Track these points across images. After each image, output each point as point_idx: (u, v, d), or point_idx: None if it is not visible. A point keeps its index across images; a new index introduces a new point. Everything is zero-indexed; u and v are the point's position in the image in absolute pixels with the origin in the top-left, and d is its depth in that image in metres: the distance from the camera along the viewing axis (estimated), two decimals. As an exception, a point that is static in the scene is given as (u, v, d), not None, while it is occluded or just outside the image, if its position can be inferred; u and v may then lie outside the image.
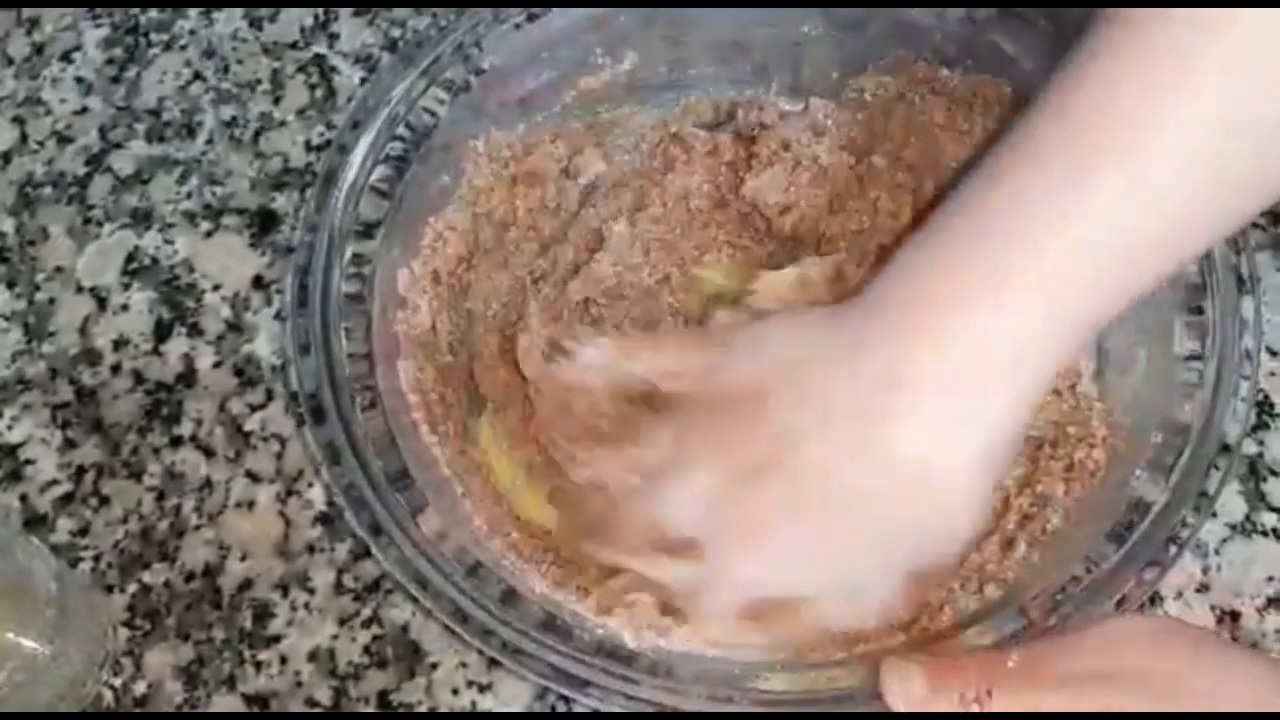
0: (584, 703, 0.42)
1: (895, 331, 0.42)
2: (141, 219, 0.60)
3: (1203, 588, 0.51)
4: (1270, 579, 0.51)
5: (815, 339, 0.45)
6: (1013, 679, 0.37)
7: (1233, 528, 0.52)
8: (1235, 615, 0.50)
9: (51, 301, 0.58)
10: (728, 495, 0.44)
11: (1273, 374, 0.55)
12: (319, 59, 0.64)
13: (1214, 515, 0.51)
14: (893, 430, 0.42)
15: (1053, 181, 0.40)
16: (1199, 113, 0.38)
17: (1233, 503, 0.52)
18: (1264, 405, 0.54)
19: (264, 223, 0.59)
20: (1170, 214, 0.39)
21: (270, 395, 0.56)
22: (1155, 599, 0.50)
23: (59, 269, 0.59)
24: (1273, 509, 0.52)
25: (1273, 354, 0.55)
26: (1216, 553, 0.51)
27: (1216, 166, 0.39)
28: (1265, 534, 0.51)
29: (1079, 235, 0.39)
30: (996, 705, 0.36)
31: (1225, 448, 0.45)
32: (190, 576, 0.52)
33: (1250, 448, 0.53)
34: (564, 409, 0.50)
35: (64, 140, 0.62)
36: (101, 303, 0.58)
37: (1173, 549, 0.43)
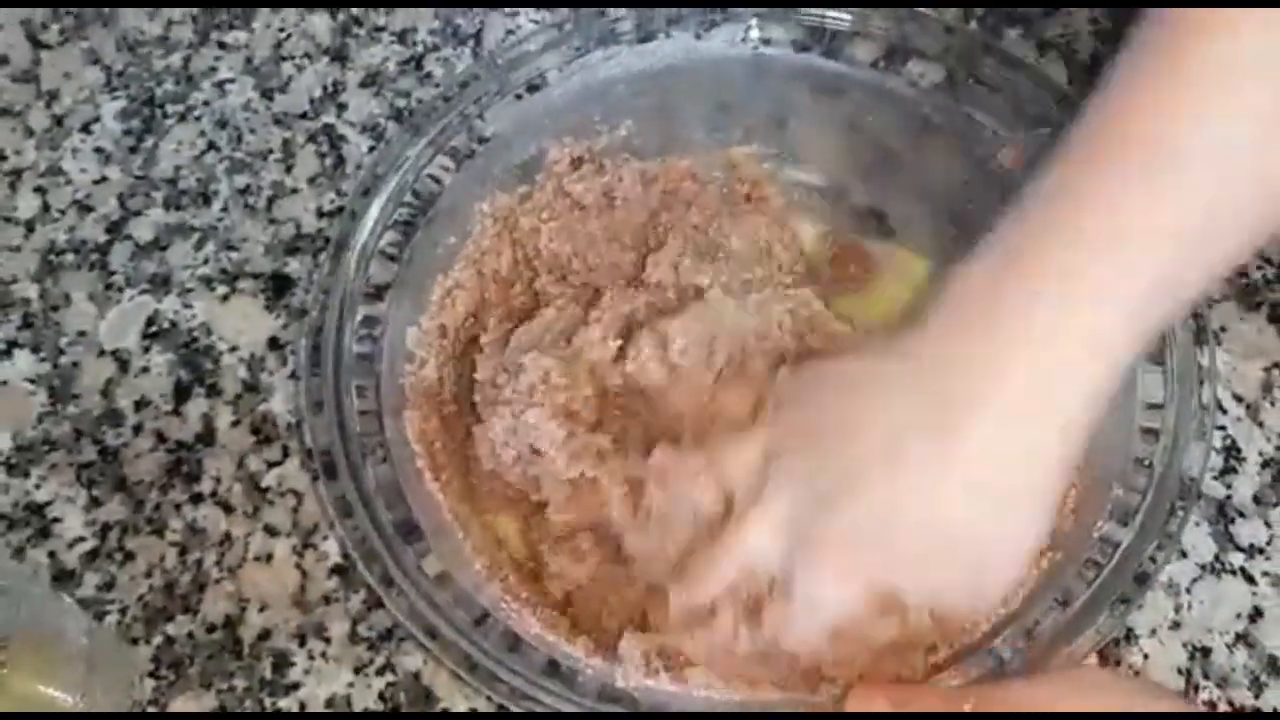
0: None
1: (958, 358, 0.43)
2: (160, 284, 0.62)
3: (1175, 625, 0.53)
4: (1239, 616, 0.53)
5: (875, 373, 0.46)
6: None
7: (1203, 567, 0.54)
8: (1206, 651, 0.53)
9: (75, 365, 0.60)
10: (805, 523, 0.45)
11: (1239, 420, 0.57)
12: (328, 128, 0.66)
13: (1184, 555, 0.54)
14: (956, 449, 0.43)
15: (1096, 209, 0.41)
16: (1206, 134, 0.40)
17: (1203, 544, 0.54)
18: (1232, 450, 0.57)
19: (278, 286, 0.62)
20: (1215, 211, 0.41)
21: (286, 452, 0.58)
22: (1130, 636, 0.53)
23: (81, 333, 0.61)
24: (1240, 549, 0.55)
25: (1238, 400, 0.58)
26: (1188, 591, 0.54)
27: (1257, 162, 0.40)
28: (1234, 573, 0.54)
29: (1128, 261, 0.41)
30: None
31: (1187, 489, 0.48)
32: (212, 628, 0.54)
33: (1219, 491, 0.56)
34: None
35: (84, 209, 0.65)
36: (123, 365, 0.60)
37: (1140, 588, 0.46)
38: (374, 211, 0.55)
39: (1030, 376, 0.42)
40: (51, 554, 0.56)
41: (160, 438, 0.58)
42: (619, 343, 0.53)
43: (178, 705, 0.53)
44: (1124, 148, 0.41)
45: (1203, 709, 0.50)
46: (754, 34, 0.59)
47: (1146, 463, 0.48)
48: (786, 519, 0.45)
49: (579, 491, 0.51)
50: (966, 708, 0.40)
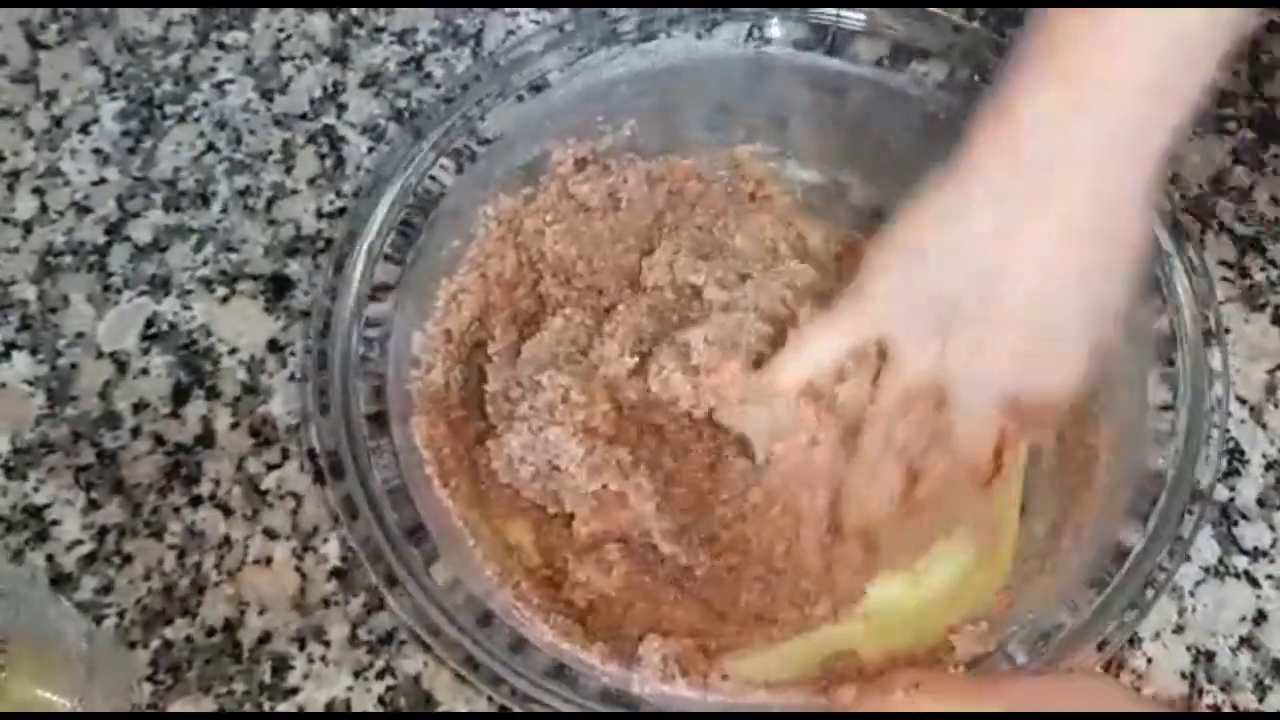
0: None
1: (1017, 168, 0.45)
2: (159, 286, 0.62)
3: (1179, 629, 0.53)
4: (1243, 619, 0.53)
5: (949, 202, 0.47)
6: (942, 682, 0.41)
7: (1207, 570, 0.54)
8: (1210, 655, 0.52)
9: (73, 367, 0.60)
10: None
11: (1243, 422, 0.57)
12: (328, 129, 0.66)
13: (1189, 559, 0.53)
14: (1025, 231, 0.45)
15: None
16: None
17: (1207, 547, 0.54)
18: (1235, 452, 0.56)
19: (278, 288, 0.61)
20: None
21: (286, 454, 0.57)
22: (1134, 640, 0.52)
23: (80, 335, 0.61)
24: (1244, 552, 0.54)
25: (1242, 402, 0.58)
26: (1191, 595, 0.53)
27: None
28: (1238, 576, 0.54)
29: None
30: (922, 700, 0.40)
31: (1198, 494, 0.48)
32: (211, 631, 0.54)
33: (1223, 494, 0.55)
34: None
35: (83, 210, 0.64)
36: (121, 367, 0.60)
37: (1150, 592, 0.46)
38: (378, 214, 0.55)
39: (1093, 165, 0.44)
40: (50, 557, 0.55)
41: (159, 440, 0.58)
42: (635, 359, 0.53)
43: (176, 709, 0.52)
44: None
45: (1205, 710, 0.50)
46: (757, 33, 0.59)
47: (1157, 467, 0.48)
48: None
49: (604, 504, 0.51)
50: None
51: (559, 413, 0.51)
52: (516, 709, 0.46)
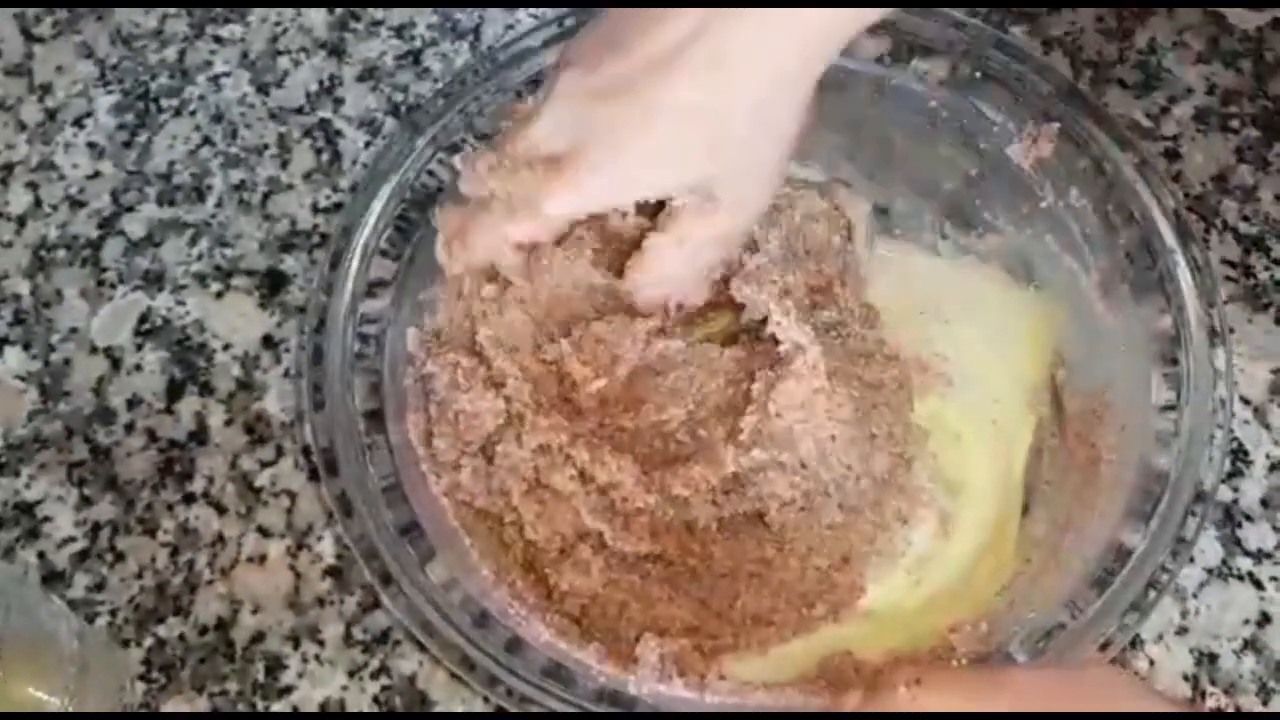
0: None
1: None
2: (153, 281, 0.61)
3: (1182, 630, 0.52)
4: (1246, 622, 0.53)
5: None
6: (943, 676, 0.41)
7: (1210, 572, 0.54)
8: (1213, 657, 0.52)
9: (66, 362, 0.59)
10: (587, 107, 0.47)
11: (1246, 422, 0.57)
12: (324, 124, 0.66)
13: (1192, 560, 0.53)
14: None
15: None
16: None
17: (1210, 548, 0.54)
18: (1239, 453, 0.56)
19: (273, 283, 0.61)
20: None
21: (280, 452, 0.57)
22: (1136, 642, 0.52)
23: (73, 330, 0.60)
24: (1248, 554, 0.54)
25: (1246, 403, 0.57)
26: (1194, 596, 0.53)
27: None
28: (1241, 578, 0.53)
29: None
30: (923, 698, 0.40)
31: (1201, 495, 0.47)
32: (204, 630, 0.53)
33: (1226, 494, 0.55)
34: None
35: (77, 204, 0.64)
36: (115, 363, 0.59)
37: (1152, 594, 0.45)
38: (374, 209, 0.55)
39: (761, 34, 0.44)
40: (41, 554, 0.55)
41: (152, 436, 0.58)
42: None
43: (169, 708, 0.52)
44: None
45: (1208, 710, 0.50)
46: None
47: (1160, 468, 0.48)
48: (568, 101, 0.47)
49: (546, 505, 0.51)
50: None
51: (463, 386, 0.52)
52: (513, 709, 0.46)
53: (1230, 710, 0.51)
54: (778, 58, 0.45)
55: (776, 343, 0.51)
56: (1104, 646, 0.45)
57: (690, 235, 0.49)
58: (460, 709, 0.52)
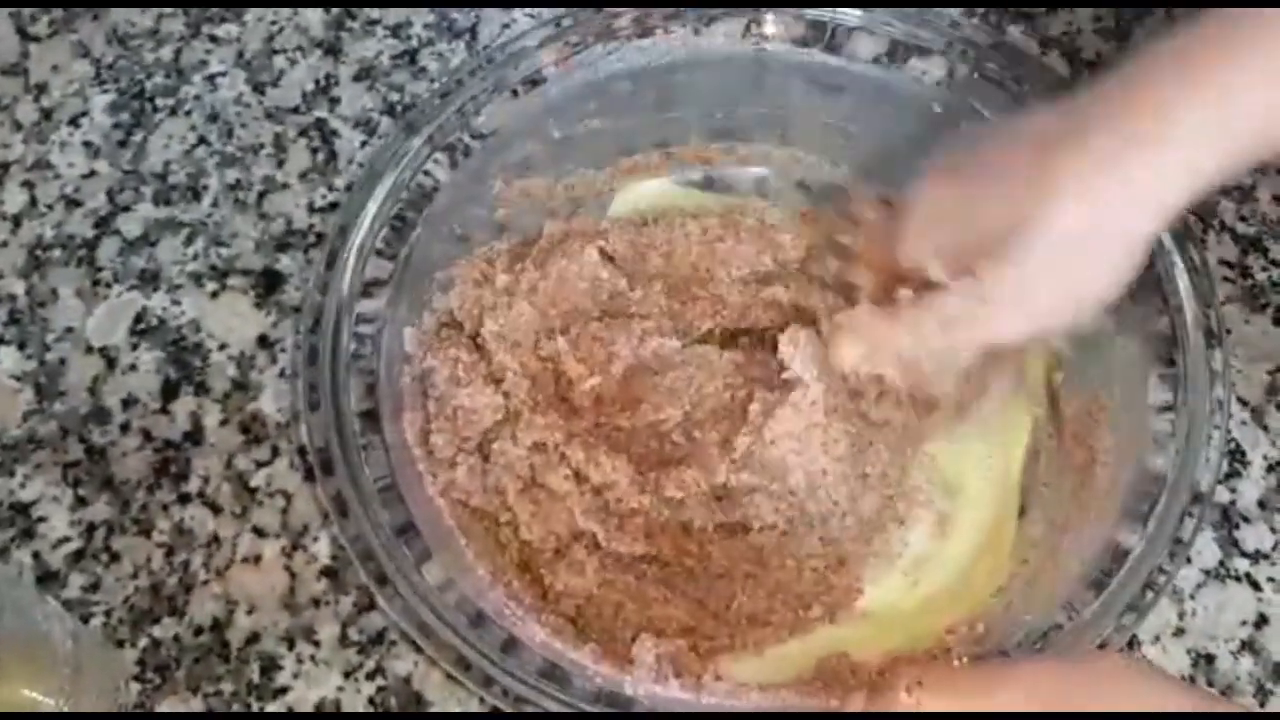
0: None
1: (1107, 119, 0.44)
2: (149, 280, 0.61)
3: (1179, 632, 0.52)
4: (1244, 623, 0.53)
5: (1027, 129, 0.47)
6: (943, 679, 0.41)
7: (1207, 573, 0.53)
8: (1210, 658, 0.52)
9: (62, 362, 0.59)
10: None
11: (1244, 424, 0.57)
12: (320, 123, 0.65)
13: (1189, 561, 0.53)
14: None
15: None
16: None
17: (1207, 549, 0.54)
18: (1236, 454, 0.56)
19: (268, 283, 0.61)
20: None
21: (276, 452, 0.57)
22: (1133, 642, 0.52)
23: (69, 330, 0.60)
24: (1245, 555, 0.54)
25: (1243, 404, 0.57)
26: (1192, 598, 0.53)
27: None
28: (1238, 579, 0.53)
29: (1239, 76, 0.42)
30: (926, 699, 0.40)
31: (1198, 496, 0.47)
32: (199, 630, 0.53)
33: (1224, 496, 0.55)
34: None
35: (72, 204, 0.63)
36: (110, 363, 0.59)
37: (1149, 595, 0.45)
38: (370, 209, 0.55)
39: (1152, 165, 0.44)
40: (36, 554, 0.55)
41: (148, 436, 0.57)
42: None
43: (164, 709, 0.52)
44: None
45: (1218, 700, 0.49)
46: (754, 29, 0.58)
47: (1157, 469, 0.48)
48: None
49: (540, 505, 0.51)
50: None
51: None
52: (508, 709, 0.45)
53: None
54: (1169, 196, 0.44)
55: (775, 349, 0.51)
56: (1101, 647, 0.45)
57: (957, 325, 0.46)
58: (456, 710, 0.51)
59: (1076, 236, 0.43)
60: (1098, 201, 0.43)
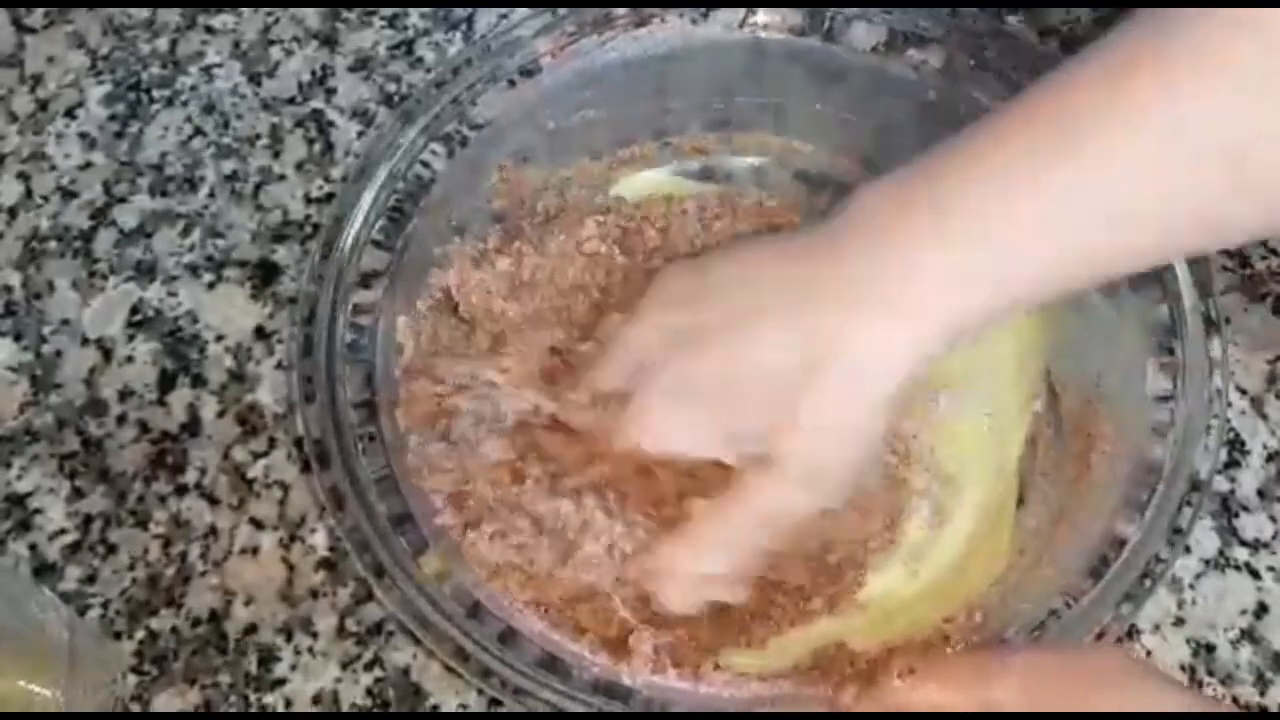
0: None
1: (861, 253, 0.42)
2: (145, 272, 0.61)
3: (1178, 621, 0.52)
4: (1243, 612, 0.52)
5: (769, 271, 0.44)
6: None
7: (1206, 563, 0.53)
8: (1210, 648, 0.52)
9: (58, 354, 0.59)
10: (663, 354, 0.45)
11: (1243, 413, 0.56)
12: (317, 114, 0.65)
13: (1188, 550, 0.53)
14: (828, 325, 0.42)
15: (1011, 160, 0.40)
16: (1156, 120, 0.38)
17: (1206, 538, 0.54)
18: (1235, 443, 0.56)
19: (265, 274, 0.61)
20: (1113, 214, 0.39)
21: (273, 443, 0.56)
22: (1132, 632, 0.52)
23: (65, 321, 0.60)
24: (1245, 544, 0.54)
25: (1242, 393, 0.57)
26: (1191, 587, 0.53)
27: (1169, 176, 0.38)
28: (1238, 568, 0.53)
29: (1031, 210, 0.39)
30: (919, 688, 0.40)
31: (1197, 484, 0.47)
32: (196, 622, 0.53)
33: (1223, 485, 0.55)
34: None
35: (68, 195, 0.63)
36: (107, 354, 0.59)
37: (1148, 583, 0.45)
38: (366, 200, 0.55)
39: (909, 272, 0.41)
40: (33, 546, 0.55)
41: (144, 428, 0.57)
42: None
43: (161, 702, 0.51)
44: (1035, 133, 0.40)
45: (1216, 703, 0.49)
46: (751, 18, 0.58)
47: (1155, 458, 0.47)
48: (643, 342, 0.45)
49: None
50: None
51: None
52: (506, 700, 0.45)
53: (1227, 703, 0.51)
54: (898, 353, 0.41)
55: None
56: (1099, 636, 0.45)
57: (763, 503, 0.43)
58: (454, 702, 0.51)
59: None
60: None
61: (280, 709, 0.51)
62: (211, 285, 0.61)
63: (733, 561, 0.45)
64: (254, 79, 0.66)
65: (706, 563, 0.45)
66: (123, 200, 0.63)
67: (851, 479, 0.44)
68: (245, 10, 0.68)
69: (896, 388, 0.42)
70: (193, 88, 0.66)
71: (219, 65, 0.67)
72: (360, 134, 0.64)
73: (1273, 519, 0.54)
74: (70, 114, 0.66)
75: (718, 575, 0.45)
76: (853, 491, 0.46)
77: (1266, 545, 0.54)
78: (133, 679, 0.52)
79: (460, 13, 0.68)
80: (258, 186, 0.63)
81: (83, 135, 0.65)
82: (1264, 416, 0.56)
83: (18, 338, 0.60)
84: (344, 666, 0.52)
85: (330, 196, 0.62)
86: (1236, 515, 0.54)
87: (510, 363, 0.50)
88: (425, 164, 0.56)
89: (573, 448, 0.48)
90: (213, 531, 0.55)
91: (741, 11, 0.58)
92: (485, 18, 0.67)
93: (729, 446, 0.43)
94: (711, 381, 0.43)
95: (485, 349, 0.54)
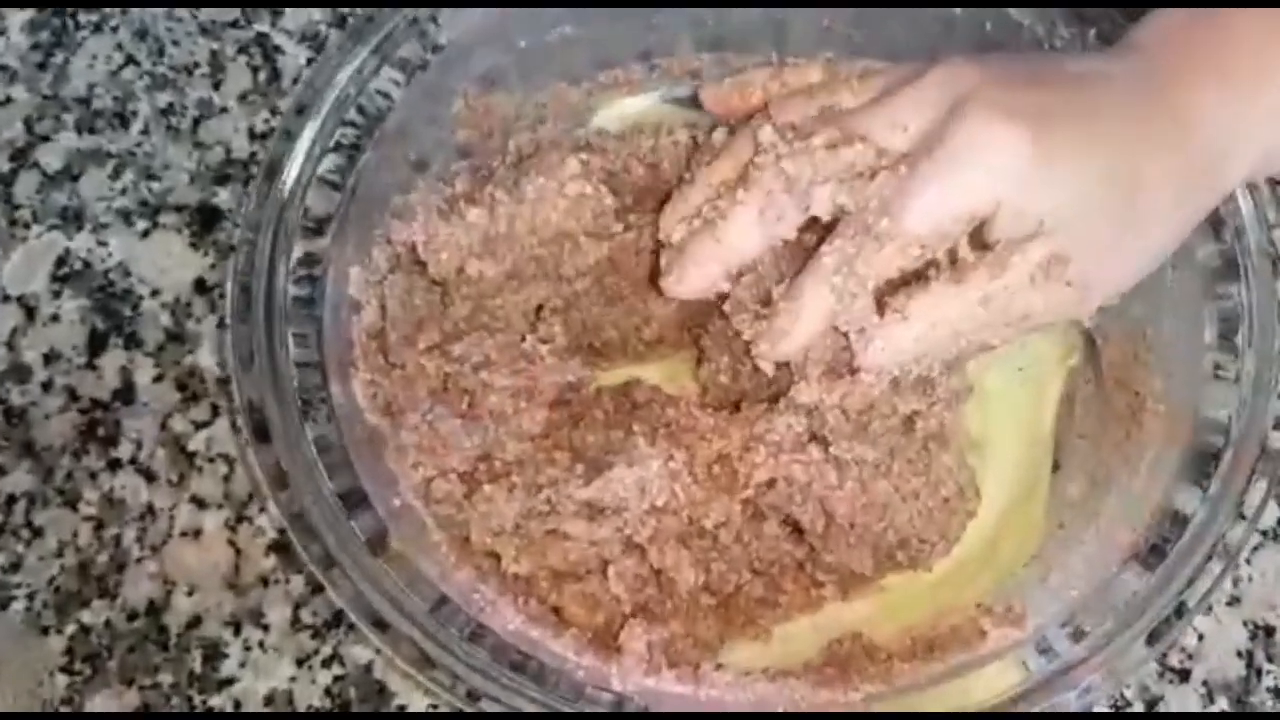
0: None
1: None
2: (72, 219, 0.58)
3: (1234, 600, 0.48)
4: (1308, 589, 0.48)
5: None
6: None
7: (1265, 535, 0.49)
8: (1270, 630, 0.47)
9: (-27, 313, 0.56)
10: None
11: (1304, 362, 0.51)
12: (261, 38, 0.61)
13: (1243, 518, 0.48)
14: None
15: None
16: None
17: (1266, 508, 0.48)
18: (1295, 399, 0.51)
19: (205, 220, 0.57)
20: None
21: (216, 411, 0.54)
22: (1181, 610, 0.46)
23: (-19, 276, 0.57)
24: (1309, 512, 0.49)
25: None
26: (1248, 562, 0.48)
27: None
28: (1301, 540, 0.48)
29: None
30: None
31: (1266, 450, 0.42)
32: (133, 615, 0.50)
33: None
34: None
35: (-14, 134, 0.60)
36: (30, 313, 0.56)
37: (1218, 565, 0.40)
38: (310, 132, 0.49)
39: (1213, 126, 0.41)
40: (-52, 532, 0.52)
41: (72, 395, 0.54)
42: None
43: (95, 704, 0.49)
44: None
45: None
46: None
47: (1216, 417, 0.42)
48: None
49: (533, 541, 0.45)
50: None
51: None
52: (472, 710, 0.41)
53: None
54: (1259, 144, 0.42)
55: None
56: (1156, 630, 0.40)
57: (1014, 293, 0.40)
58: (423, 701, 0.48)
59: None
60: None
61: (228, 711, 0.49)
62: (146, 233, 0.57)
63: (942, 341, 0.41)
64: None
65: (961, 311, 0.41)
66: (46, 139, 0.59)
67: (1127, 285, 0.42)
68: (180, -77, 0.63)
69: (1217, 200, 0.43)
70: (123, 12, 0.62)
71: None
72: (310, 61, 0.61)
73: (1339, 483, 0.49)
74: (-13, 43, 0.62)
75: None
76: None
77: (1333, 513, 0.49)
78: (62, 680, 0.49)
79: (420, -79, 0.62)
80: (196, 121, 0.59)
81: (2, 68, 0.61)
82: (1326, 368, 0.51)
83: (-72, 295, 0.56)
84: (299, 663, 0.49)
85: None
86: (1299, 479, 0.49)
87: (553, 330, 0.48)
88: (380, 91, 0.50)
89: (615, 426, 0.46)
90: (150, 511, 0.52)
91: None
92: (448, -73, 0.61)
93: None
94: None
95: (464, 316, 0.49)
